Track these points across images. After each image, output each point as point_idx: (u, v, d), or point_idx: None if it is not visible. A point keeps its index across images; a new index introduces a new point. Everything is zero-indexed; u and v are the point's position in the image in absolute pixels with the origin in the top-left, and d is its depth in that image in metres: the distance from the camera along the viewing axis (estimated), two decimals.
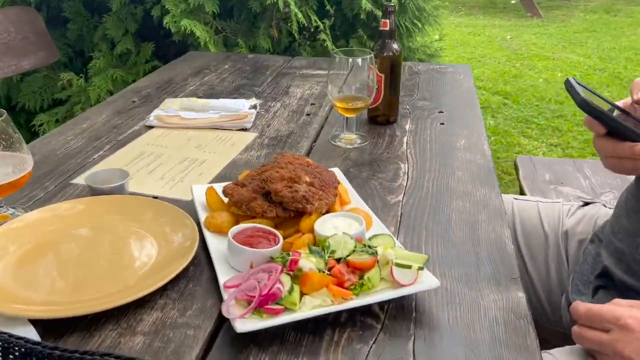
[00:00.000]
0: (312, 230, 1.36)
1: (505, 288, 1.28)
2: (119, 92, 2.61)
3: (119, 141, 2.04)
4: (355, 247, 1.24)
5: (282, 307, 1.12)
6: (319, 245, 1.28)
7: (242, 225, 1.34)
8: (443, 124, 2.22)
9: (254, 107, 2.30)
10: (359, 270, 1.19)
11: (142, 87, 2.61)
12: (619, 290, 1.42)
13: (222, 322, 1.18)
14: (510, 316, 1.19)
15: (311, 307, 1.12)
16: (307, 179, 1.42)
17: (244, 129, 2.15)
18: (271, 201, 1.39)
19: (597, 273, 1.48)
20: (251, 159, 1.91)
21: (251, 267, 1.25)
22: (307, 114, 2.31)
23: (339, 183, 1.48)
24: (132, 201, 1.52)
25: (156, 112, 2.23)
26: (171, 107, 2.25)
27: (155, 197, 1.65)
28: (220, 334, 1.15)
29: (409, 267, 1.19)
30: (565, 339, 1.40)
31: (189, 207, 1.58)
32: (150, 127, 2.16)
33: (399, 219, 1.56)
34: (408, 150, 1.98)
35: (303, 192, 1.38)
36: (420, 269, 1.20)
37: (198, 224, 1.43)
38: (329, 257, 1.22)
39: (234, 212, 1.44)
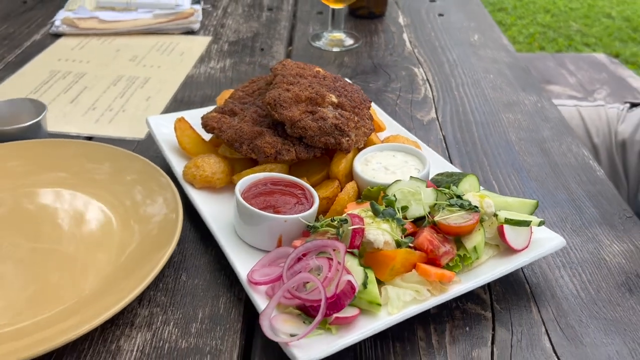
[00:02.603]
0: (348, 176, 0.93)
1: (625, 232, 0.93)
2: None
3: (16, 58, 1.43)
4: (436, 199, 0.82)
5: (356, 309, 0.70)
6: (364, 199, 0.86)
7: (252, 178, 0.87)
8: (442, 15, 1.78)
9: (197, 1, 1.73)
10: (454, 235, 0.79)
11: None
12: None
13: (252, 334, 0.75)
14: None
15: (402, 303, 0.71)
16: (334, 98, 0.96)
17: (191, 32, 1.60)
18: (285, 136, 0.93)
19: None
20: (214, 73, 1.39)
21: (279, 243, 0.81)
22: (269, 9, 1.78)
23: (370, 101, 1.03)
24: (64, 149, 0.98)
25: (63, 14, 1.60)
26: (83, 7, 1.63)
27: (90, 139, 1.13)
28: (255, 355, 0.71)
29: (527, 223, 0.79)
30: None
31: (145, 151, 1.08)
32: (58, 35, 1.55)
33: (444, 144, 1.15)
34: (415, 50, 1.54)
35: (333, 120, 0.92)
36: (541, 223, 0.81)
37: (170, 176, 0.94)
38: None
39: (226, 156, 0.96)
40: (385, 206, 0.80)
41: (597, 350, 0.73)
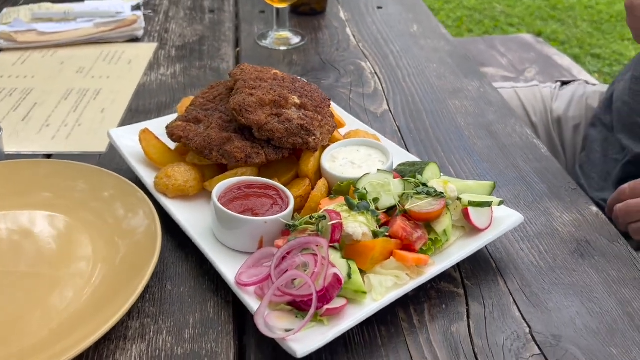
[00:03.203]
0: (317, 173, 0.97)
1: (572, 203, 1.02)
2: None
3: None
4: (404, 188, 0.87)
5: (344, 300, 0.74)
6: (335, 194, 0.90)
7: (226, 184, 0.89)
8: (381, 7, 1.84)
9: (137, 7, 1.71)
10: (424, 221, 0.84)
11: None
12: None
13: (243, 334, 0.78)
14: (601, 240, 0.94)
15: (384, 289, 0.76)
16: (296, 99, 0.99)
17: (135, 39, 1.59)
18: (253, 140, 0.95)
19: (626, 161, 1.28)
20: (166, 79, 1.39)
21: (261, 244, 0.84)
22: (211, 11, 1.78)
23: (329, 99, 1.07)
24: (34, 169, 0.96)
25: None
26: (18, 19, 1.58)
27: (49, 157, 1.11)
28: (250, 354, 0.75)
29: (488, 204, 0.86)
30: None
31: (108, 164, 1.08)
32: None
33: (400, 134, 1.20)
34: (360, 45, 1.59)
35: (298, 120, 0.95)
36: (501, 203, 0.88)
37: (140, 187, 0.95)
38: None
39: (195, 163, 0.98)
40: (358, 199, 0.84)
41: (560, 314, 0.81)
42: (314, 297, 0.70)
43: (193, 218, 0.90)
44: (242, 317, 0.80)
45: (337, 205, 0.84)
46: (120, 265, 0.80)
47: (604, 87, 1.55)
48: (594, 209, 1.01)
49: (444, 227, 0.82)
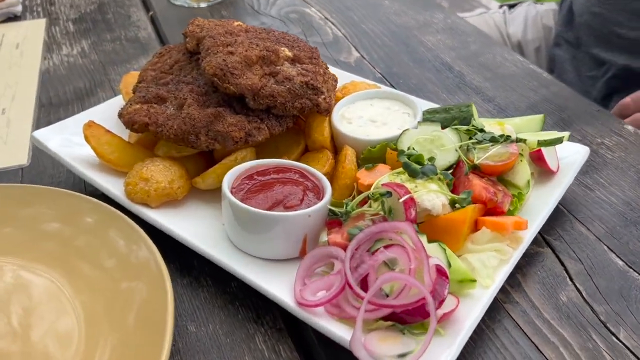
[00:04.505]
0: (331, 141, 0.76)
1: (604, 125, 0.90)
2: None
3: None
4: (460, 140, 0.70)
5: (454, 298, 0.56)
6: (364, 162, 0.70)
7: (234, 174, 0.66)
8: None
9: None
10: (498, 175, 0.68)
11: None
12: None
13: None
14: None
15: (491, 270, 0.59)
16: (287, 51, 0.77)
17: (13, 17, 1.24)
18: (247, 111, 0.72)
19: (609, 75, 1.21)
20: (74, 60, 1.09)
21: (304, 245, 0.63)
22: None
23: (317, 49, 0.85)
24: None
25: None
26: None
27: None
28: None
29: (559, 140, 0.71)
30: None
31: (37, 179, 0.80)
32: None
33: (387, 81, 1.02)
34: None
35: (300, 77, 0.74)
36: (569, 137, 0.73)
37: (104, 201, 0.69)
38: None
39: (173, 156, 0.73)
40: (414, 163, 0.66)
41: None
42: (430, 302, 0.51)
43: (194, 229, 0.66)
44: (306, 346, 0.59)
45: (389, 175, 0.65)
46: (137, 316, 0.56)
47: (553, 5, 1.47)
48: (630, 128, 0.90)
49: (527, 178, 0.67)
